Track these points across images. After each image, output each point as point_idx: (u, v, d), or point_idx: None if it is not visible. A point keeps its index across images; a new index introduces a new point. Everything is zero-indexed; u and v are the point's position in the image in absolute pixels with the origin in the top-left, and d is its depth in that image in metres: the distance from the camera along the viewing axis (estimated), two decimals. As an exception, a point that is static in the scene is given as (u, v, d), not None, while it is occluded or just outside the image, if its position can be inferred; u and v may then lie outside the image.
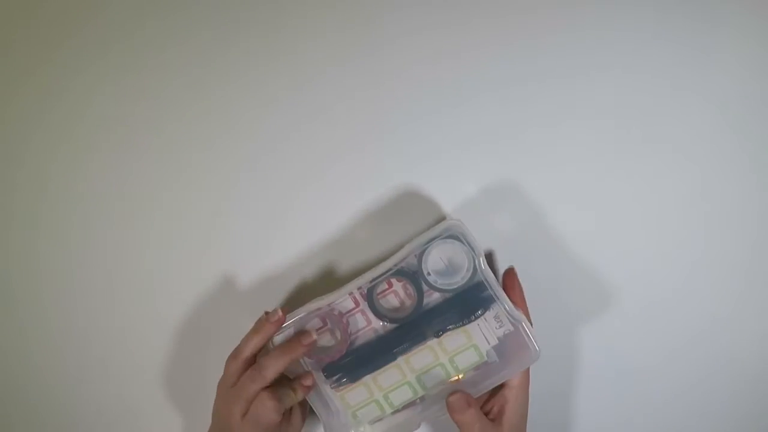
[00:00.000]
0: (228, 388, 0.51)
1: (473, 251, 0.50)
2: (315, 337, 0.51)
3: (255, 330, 0.51)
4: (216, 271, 0.57)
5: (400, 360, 0.52)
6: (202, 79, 0.55)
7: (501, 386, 0.52)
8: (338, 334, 0.52)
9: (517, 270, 0.53)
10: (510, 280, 0.52)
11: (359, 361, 0.52)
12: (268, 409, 0.49)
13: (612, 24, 0.52)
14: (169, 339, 0.58)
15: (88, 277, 0.58)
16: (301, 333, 0.51)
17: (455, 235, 0.50)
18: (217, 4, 0.54)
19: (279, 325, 0.51)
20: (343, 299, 0.52)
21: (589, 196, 0.54)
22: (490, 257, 0.55)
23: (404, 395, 0.52)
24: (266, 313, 0.51)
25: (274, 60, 0.54)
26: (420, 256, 0.50)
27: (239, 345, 0.51)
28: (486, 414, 0.51)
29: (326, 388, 0.53)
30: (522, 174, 0.54)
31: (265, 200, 0.56)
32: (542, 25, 0.52)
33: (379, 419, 0.53)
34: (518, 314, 0.50)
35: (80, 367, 0.59)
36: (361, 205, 0.55)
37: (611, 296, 0.56)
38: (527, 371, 0.52)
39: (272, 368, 0.50)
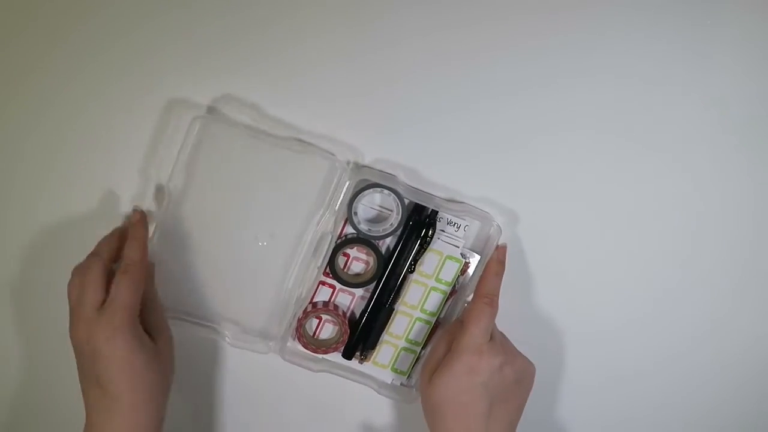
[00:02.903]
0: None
1: (385, 188, 0.50)
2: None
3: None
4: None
5: (398, 306, 0.54)
6: (202, 78, 0.53)
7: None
8: (334, 320, 0.54)
9: (514, 270, 0.53)
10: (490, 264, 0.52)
11: (365, 329, 0.54)
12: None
13: (611, 24, 0.51)
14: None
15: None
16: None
17: (362, 188, 0.50)
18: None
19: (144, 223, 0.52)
20: (316, 291, 0.53)
21: (586, 196, 0.54)
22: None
23: (422, 330, 0.55)
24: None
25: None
26: (352, 220, 0.51)
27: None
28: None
29: (357, 366, 0.55)
30: (519, 174, 0.53)
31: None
32: (541, 27, 0.51)
33: (417, 359, 0.55)
34: (460, 206, 0.51)
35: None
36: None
37: (608, 297, 0.55)
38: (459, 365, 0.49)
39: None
